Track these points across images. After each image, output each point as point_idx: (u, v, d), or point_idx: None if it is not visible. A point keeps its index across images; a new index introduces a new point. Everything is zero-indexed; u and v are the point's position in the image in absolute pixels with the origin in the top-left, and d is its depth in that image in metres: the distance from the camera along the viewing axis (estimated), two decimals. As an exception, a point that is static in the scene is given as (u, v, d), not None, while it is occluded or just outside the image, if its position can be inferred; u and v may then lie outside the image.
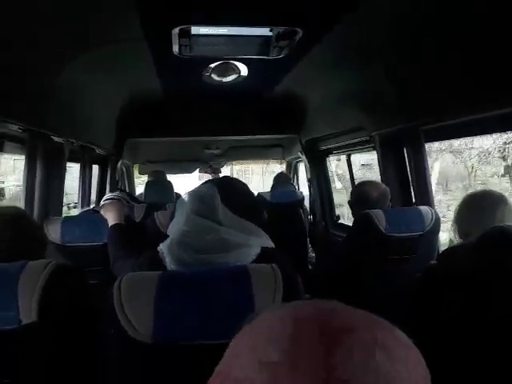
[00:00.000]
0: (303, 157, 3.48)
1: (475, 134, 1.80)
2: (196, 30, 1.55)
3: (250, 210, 1.30)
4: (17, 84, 1.34)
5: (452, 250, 1.31)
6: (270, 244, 1.21)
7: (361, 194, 1.96)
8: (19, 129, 1.52)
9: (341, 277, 1.84)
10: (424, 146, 1.95)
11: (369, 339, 0.29)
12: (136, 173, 4.94)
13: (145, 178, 4.57)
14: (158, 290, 0.81)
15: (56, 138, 1.82)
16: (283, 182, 3.85)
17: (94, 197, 2.95)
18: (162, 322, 0.79)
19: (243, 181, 1.42)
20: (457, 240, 1.39)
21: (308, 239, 3.25)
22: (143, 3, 1.22)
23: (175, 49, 1.65)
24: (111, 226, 1.54)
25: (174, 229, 1.22)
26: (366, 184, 2.04)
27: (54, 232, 1.64)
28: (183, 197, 1.28)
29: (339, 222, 3.31)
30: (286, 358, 0.27)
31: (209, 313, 0.80)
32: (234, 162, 8.34)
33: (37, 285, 0.83)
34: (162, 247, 1.13)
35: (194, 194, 1.25)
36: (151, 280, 0.83)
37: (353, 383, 0.26)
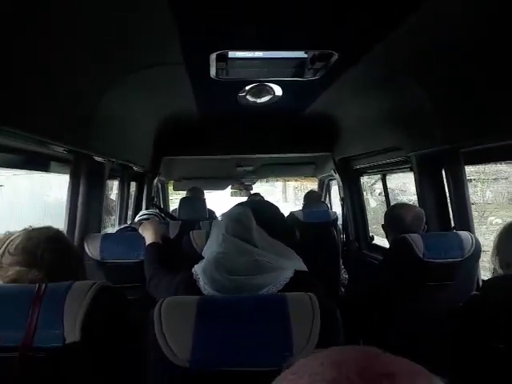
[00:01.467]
0: (336, 175, 3.45)
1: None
2: (233, 54, 1.60)
3: (282, 231, 1.30)
4: (60, 109, 1.41)
5: (495, 280, 1.25)
6: (303, 267, 1.21)
7: (394, 217, 1.92)
8: (64, 150, 1.60)
9: (375, 302, 1.79)
10: (464, 169, 1.89)
11: None
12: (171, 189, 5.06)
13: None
14: (197, 317, 0.83)
15: (97, 158, 1.90)
16: (315, 200, 3.82)
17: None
18: (200, 349, 0.80)
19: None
20: (499, 270, 1.33)
21: (341, 260, 3.19)
22: (182, 30, 1.27)
23: (212, 72, 1.69)
24: (148, 245, 1.58)
25: (209, 250, 1.24)
26: (399, 207, 1.99)
27: (93, 249, 1.69)
28: (218, 219, 1.30)
29: (373, 242, 3.24)
30: None
31: (246, 341, 0.81)
32: (287, 179, 8.38)
33: (82, 305, 0.86)
34: (197, 268, 1.15)
35: (229, 215, 1.28)
36: (190, 306, 0.85)
37: None
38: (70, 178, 1.82)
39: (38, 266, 1.01)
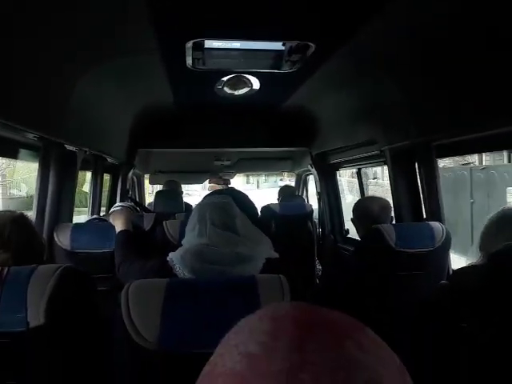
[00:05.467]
0: (313, 170, 3.48)
1: (488, 150, 1.78)
2: (209, 43, 1.58)
3: (257, 217, 1.33)
4: (32, 94, 1.37)
5: (464, 269, 1.28)
6: (274, 254, 1.23)
7: (362, 209, 1.98)
8: (34, 137, 1.55)
9: (348, 292, 1.82)
10: (436, 162, 1.93)
11: (341, 331, 0.32)
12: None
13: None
14: (166, 299, 0.82)
15: (69, 147, 1.85)
16: (289, 194, 3.86)
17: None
18: (168, 330, 0.79)
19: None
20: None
21: (316, 252, 3.23)
22: (157, 17, 1.25)
23: (188, 61, 1.67)
24: (119, 232, 1.57)
25: (189, 239, 1.23)
26: (366, 199, 2.08)
27: (63, 238, 1.65)
28: (195, 206, 1.30)
29: (348, 236, 3.28)
30: (264, 349, 0.30)
31: (215, 323, 0.80)
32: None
33: (46, 288, 0.84)
34: (173, 257, 1.14)
35: (211, 204, 1.27)
36: (159, 287, 0.84)
37: (324, 367, 0.28)
38: (39, 166, 1.76)
39: (5, 247, 1.01)
